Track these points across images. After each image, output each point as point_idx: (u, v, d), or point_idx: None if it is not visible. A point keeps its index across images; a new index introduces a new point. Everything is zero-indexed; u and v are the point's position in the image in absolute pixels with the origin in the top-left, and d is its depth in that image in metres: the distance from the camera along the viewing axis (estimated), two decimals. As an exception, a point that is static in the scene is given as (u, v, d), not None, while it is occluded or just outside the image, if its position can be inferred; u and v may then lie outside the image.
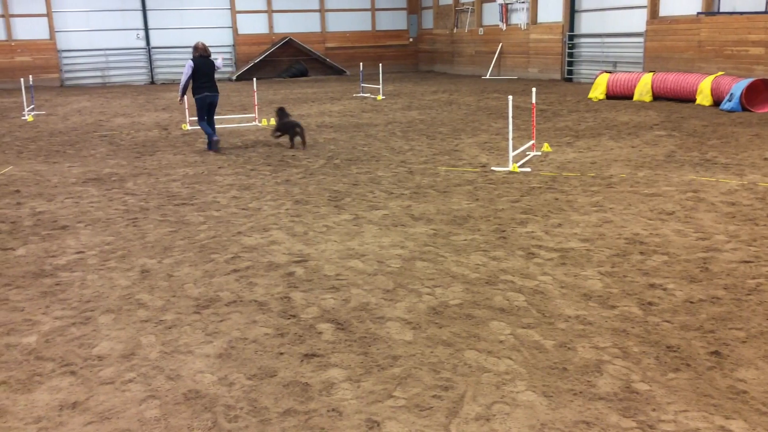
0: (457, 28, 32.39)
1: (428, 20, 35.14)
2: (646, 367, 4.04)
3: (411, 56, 35.81)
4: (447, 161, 10.76)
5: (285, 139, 12.60)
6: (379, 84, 22.27)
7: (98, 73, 30.74)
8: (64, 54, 29.97)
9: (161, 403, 3.80)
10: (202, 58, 11.88)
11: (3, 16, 29.10)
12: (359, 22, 34.52)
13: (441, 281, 5.57)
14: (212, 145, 12.27)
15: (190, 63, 11.78)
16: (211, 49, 12.39)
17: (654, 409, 3.60)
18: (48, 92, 26.35)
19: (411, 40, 35.79)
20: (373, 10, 34.62)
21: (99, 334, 4.74)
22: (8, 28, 29.25)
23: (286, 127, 12.41)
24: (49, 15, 29.58)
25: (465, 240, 6.65)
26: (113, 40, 30.39)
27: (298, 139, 12.41)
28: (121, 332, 4.76)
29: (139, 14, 30.82)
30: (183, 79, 11.94)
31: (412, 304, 5.12)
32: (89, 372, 4.18)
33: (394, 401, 3.75)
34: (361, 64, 24.47)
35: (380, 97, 21.30)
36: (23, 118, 17.90)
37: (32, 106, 19.53)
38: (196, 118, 12.37)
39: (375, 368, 4.14)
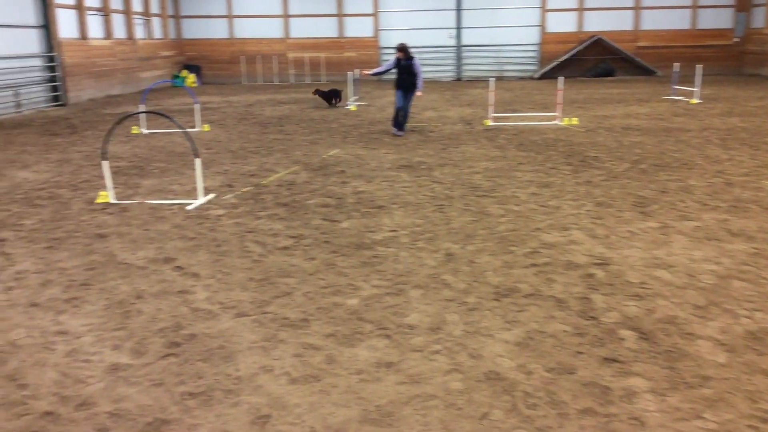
0: (796, 26, 28.45)
1: (759, 18, 31.39)
2: None
3: (734, 57, 32.37)
4: (774, 175, 9.60)
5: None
6: (694, 86, 20.58)
7: (410, 69, 33.07)
8: (384, 51, 32.75)
9: (464, 378, 4.05)
10: None
11: (337, 15, 32.77)
12: (677, 20, 32.16)
13: (763, 305, 5.03)
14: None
15: (419, 62, 13.91)
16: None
17: None
18: (368, 85, 29.10)
19: (736, 39, 32.33)
20: (695, 7, 31.99)
21: (409, 305, 5.18)
22: (340, 27, 32.88)
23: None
24: (375, 15, 32.59)
25: (795, 264, 5.91)
26: (427, 39, 32.39)
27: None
28: (429, 307, 5.15)
29: (453, 14, 32.40)
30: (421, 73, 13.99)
31: (726, 324, 4.72)
32: (401, 338, 4.61)
33: (703, 423, 3.52)
34: (675, 64, 22.81)
35: (694, 100, 19.67)
36: (347, 107, 20.04)
37: (356, 97, 21.75)
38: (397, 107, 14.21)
39: (682, 385, 3.92)
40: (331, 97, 20.38)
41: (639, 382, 3.96)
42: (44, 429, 3.61)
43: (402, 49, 13.81)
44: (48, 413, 3.75)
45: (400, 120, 14.26)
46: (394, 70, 14.11)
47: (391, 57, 32.71)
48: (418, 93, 14.14)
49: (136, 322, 4.97)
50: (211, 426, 3.61)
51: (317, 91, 20.63)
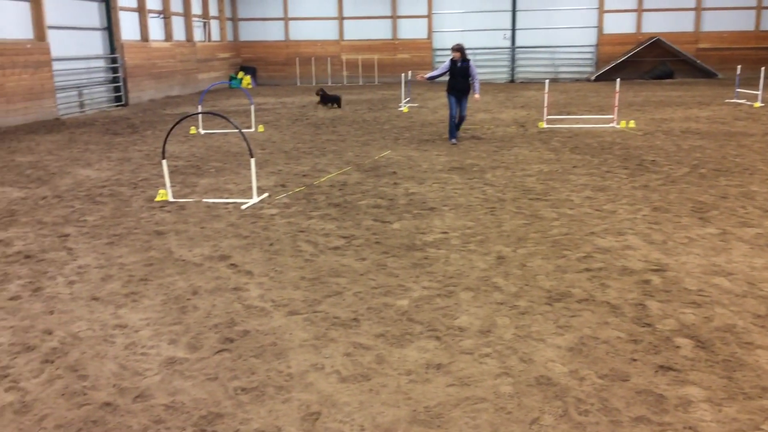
0: None
1: (830, 17, 30.22)
2: None
3: (801, 59, 31.20)
4: (843, 182, 9.22)
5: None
6: (757, 89, 19.90)
7: (464, 71, 32.93)
8: (438, 52, 32.71)
9: (514, 382, 4.01)
10: None
11: (391, 17, 32.88)
12: (740, 21, 31.20)
13: (829, 317, 4.84)
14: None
15: (474, 65, 13.47)
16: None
17: None
18: (420, 87, 29.09)
19: (804, 40, 31.17)
20: (759, 8, 30.99)
21: (460, 308, 5.17)
22: (394, 29, 32.99)
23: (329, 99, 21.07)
24: (429, 16, 32.57)
25: None
26: (481, 40, 32.22)
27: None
28: (479, 310, 5.12)
29: (509, 15, 32.14)
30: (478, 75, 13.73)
31: (789, 335, 4.56)
32: (451, 340, 4.60)
33: (763, 436, 3.42)
34: (738, 67, 22.11)
35: (758, 104, 19.03)
36: (399, 108, 20.09)
37: (407, 99, 21.76)
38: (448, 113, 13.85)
39: (740, 395, 3.80)
40: (330, 101, 21.23)
41: (695, 391, 3.86)
42: (103, 419, 3.73)
43: (459, 49, 13.10)
44: (107, 404, 3.88)
45: (454, 126, 13.64)
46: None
47: (445, 59, 32.76)
48: (477, 96, 13.50)
49: (191, 317, 5.09)
50: (262, 421, 3.68)
51: (321, 92, 21.38)
